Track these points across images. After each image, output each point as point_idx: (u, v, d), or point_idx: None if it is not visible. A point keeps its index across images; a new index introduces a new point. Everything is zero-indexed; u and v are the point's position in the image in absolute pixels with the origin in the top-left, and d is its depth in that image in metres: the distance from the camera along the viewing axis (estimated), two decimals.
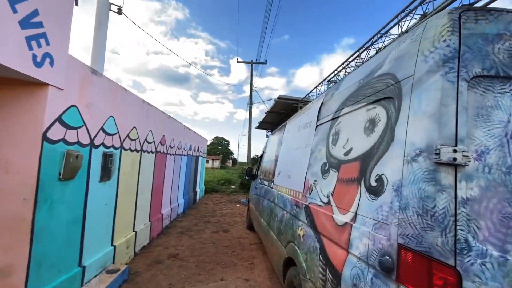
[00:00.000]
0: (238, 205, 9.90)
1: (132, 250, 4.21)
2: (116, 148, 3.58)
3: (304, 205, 2.34)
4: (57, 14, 2.29)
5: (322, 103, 2.53)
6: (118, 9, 5.13)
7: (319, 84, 5.21)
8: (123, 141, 3.79)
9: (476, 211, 0.99)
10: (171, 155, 6.30)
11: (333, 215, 1.77)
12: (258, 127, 12.93)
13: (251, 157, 15.51)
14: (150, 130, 4.84)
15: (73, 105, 2.65)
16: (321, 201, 2.01)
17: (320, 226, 1.94)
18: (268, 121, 11.30)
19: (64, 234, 2.61)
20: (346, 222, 1.57)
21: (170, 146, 6.17)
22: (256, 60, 16.92)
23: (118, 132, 3.62)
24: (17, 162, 2.20)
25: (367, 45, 3.28)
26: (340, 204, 1.72)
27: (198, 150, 9.76)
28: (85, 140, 2.89)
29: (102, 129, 3.20)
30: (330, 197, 1.87)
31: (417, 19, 2.49)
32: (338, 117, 2.06)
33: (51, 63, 2.25)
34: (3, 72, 1.97)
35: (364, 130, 1.62)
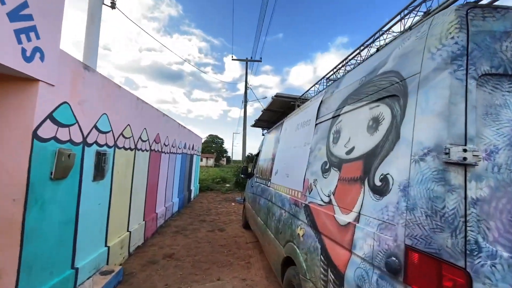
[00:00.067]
0: (233, 204, 9.86)
1: (127, 250, 4.12)
2: (109, 147, 3.49)
3: (303, 205, 2.31)
4: (48, 7, 2.19)
5: (321, 101, 2.50)
6: (111, 2, 4.99)
7: (318, 82, 5.18)
8: (117, 139, 3.70)
9: (486, 211, 0.98)
10: (165, 153, 6.21)
11: (334, 215, 1.74)
12: (254, 125, 12.86)
13: (246, 155, 15.46)
14: (145, 128, 4.74)
15: (65, 102, 2.55)
16: (322, 200, 1.98)
17: (321, 226, 1.92)
18: (264, 119, 11.24)
19: (56, 236, 2.52)
20: (349, 222, 1.55)
21: (164, 144, 6.07)
22: (251, 57, 16.83)
23: (112, 130, 3.53)
24: (6, 161, 2.11)
25: (368, 43, 3.26)
26: (342, 204, 1.70)
27: (192, 148, 9.66)
28: (78, 138, 2.80)
29: (95, 127, 3.11)
30: (332, 197, 1.85)
31: (420, 16, 2.48)
32: (339, 115, 2.03)
33: (42, 58, 2.15)
34: None
35: (367, 128, 1.59)
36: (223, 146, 70.15)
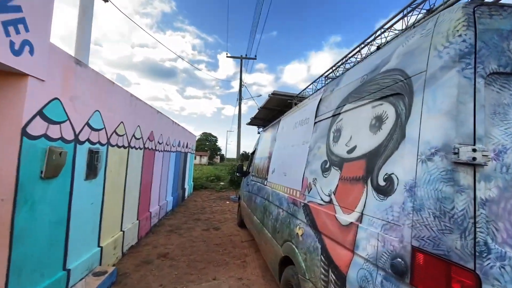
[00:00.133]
0: (228, 202, 9.81)
1: (120, 250, 4.04)
2: (102, 144, 3.40)
3: (302, 204, 2.29)
4: None
5: (320, 100, 2.48)
6: None
7: (316, 80, 5.14)
8: (110, 137, 3.60)
9: (495, 212, 0.96)
10: (159, 151, 6.11)
11: (336, 215, 1.72)
12: (249, 123, 12.77)
13: (241, 153, 15.41)
14: (138, 126, 4.64)
15: (56, 98, 2.46)
16: (322, 200, 1.96)
17: (321, 225, 1.90)
18: (260, 117, 11.17)
19: (46, 236, 2.44)
20: (351, 222, 1.53)
21: (158, 142, 5.97)
22: (246, 55, 16.73)
23: (105, 127, 3.43)
24: None
25: (368, 40, 3.25)
26: (343, 204, 1.68)
27: (186, 147, 9.55)
28: (69, 136, 2.71)
29: (87, 124, 3.01)
30: (332, 196, 1.82)
31: (423, 14, 2.48)
32: (339, 113, 2.01)
33: (31, 52, 2.06)
34: None
35: (369, 127, 1.57)
36: (217, 144, 69.90)
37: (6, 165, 2.03)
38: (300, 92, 6.28)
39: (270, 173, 3.71)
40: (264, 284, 3.45)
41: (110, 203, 3.72)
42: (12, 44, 1.88)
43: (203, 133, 66.28)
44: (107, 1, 4.89)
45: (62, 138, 2.58)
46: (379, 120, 1.50)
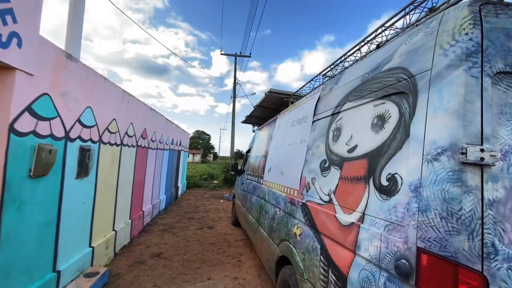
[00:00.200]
0: (221, 201, 9.75)
1: (112, 250, 3.95)
2: (94, 142, 3.30)
3: (300, 203, 2.26)
4: None
5: (319, 98, 2.45)
6: None
7: (314, 78, 5.11)
8: (102, 134, 3.50)
9: (502, 213, 0.95)
10: (152, 149, 6.00)
11: (336, 215, 1.70)
12: (244, 122, 12.69)
13: (234, 151, 15.34)
14: (131, 123, 4.54)
15: (45, 93, 2.36)
16: (321, 199, 1.94)
17: (320, 225, 1.87)
18: (256, 115, 11.09)
19: (35, 237, 2.34)
20: (352, 223, 1.51)
21: (151, 140, 5.87)
22: (240, 53, 16.62)
23: (97, 124, 3.33)
24: None
25: (368, 39, 3.23)
26: (344, 203, 1.65)
27: (180, 144, 9.44)
28: (59, 133, 2.61)
29: (78, 120, 2.91)
30: (332, 196, 1.80)
31: (426, 12, 2.48)
32: (339, 112, 1.98)
33: (19, 44, 1.96)
34: None
35: (371, 126, 1.55)
36: (210, 142, 69.50)
37: None
38: (297, 91, 6.24)
39: (266, 172, 3.67)
40: (260, 284, 3.43)
41: (102, 202, 3.62)
42: None
43: (196, 131, 65.80)
44: None
45: (51, 135, 2.48)
46: (381, 119, 1.48)
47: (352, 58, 3.86)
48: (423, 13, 2.61)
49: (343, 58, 3.95)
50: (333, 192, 1.80)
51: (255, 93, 16.70)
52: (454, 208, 0.97)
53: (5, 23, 1.82)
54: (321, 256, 1.78)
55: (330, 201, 1.82)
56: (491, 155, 0.95)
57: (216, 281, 3.44)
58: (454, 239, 0.96)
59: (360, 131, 1.66)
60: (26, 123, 2.15)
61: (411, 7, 2.66)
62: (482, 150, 0.95)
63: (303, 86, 5.85)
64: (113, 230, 4.05)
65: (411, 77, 1.31)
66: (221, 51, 16.91)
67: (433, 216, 1.03)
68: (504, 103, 1.04)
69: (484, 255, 0.92)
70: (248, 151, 5.84)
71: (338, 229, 1.64)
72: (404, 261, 1.11)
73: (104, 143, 3.58)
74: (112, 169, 3.93)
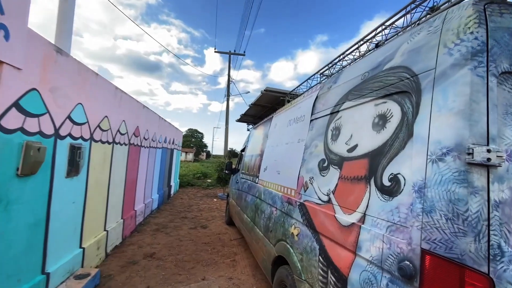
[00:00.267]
0: (215, 200, 9.68)
1: (104, 251, 3.85)
2: (85, 140, 3.20)
3: (298, 203, 2.24)
4: None
5: (317, 97, 2.43)
6: None
7: (311, 76, 5.09)
8: (94, 131, 3.40)
9: (507, 214, 0.95)
10: (145, 147, 5.89)
11: (335, 215, 1.68)
12: (239, 120, 12.60)
13: (228, 150, 15.26)
14: (123, 120, 4.43)
15: (34, 89, 2.26)
16: (320, 199, 1.92)
17: (319, 225, 1.85)
18: (251, 114, 11.03)
19: (23, 239, 2.25)
20: (353, 223, 1.49)
21: (144, 138, 5.76)
22: (234, 51, 16.52)
23: (88, 121, 3.23)
24: None
25: (368, 38, 3.23)
26: (343, 203, 1.64)
27: (173, 143, 9.31)
28: (49, 130, 2.51)
29: (69, 117, 2.81)
30: (331, 195, 1.78)
31: (427, 11, 2.49)
32: (338, 111, 1.97)
33: (6, 37, 1.86)
34: None
35: (372, 125, 1.53)
36: (203, 140, 69.04)
37: None
38: (294, 89, 6.22)
39: (262, 171, 3.64)
40: (255, 284, 3.40)
41: (93, 201, 3.52)
42: None
43: (188, 129, 65.25)
44: None
45: (40, 132, 2.39)
46: (382, 119, 1.46)
47: (350, 57, 3.86)
48: (423, 13, 2.62)
49: (341, 56, 3.95)
50: (332, 192, 1.78)
51: (249, 92, 16.67)
52: (460, 209, 0.96)
53: None
54: (320, 257, 1.76)
55: (329, 201, 1.80)
56: (497, 156, 0.94)
57: (210, 282, 3.40)
58: (461, 241, 0.94)
59: (360, 130, 1.64)
60: (13, 120, 2.06)
61: (412, 5, 2.66)
62: (488, 151, 0.94)
63: (300, 84, 5.84)
64: (105, 230, 3.95)
65: (413, 76, 1.30)
66: (215, 49, 16.77)
67: (438, 217, 1.01)
68: (509, 104, 1.03)
69: (491, 257, 0.91)
70: (243, 150, 5.80)
71: (337, 230, 1.62)
72: (408, 263, 1.09)
73: (96, 141, 3.48)
74: (104, 167, 3.83)
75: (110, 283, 3.19)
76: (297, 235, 2.15)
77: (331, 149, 1.93)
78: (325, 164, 1.95)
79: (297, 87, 5.93)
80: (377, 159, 1.42)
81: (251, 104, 9.61)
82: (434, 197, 1.04)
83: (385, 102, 1.48)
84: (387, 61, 1.55)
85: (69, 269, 2.93)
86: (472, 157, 0.95)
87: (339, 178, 1.74)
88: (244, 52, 16.86)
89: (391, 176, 1.29)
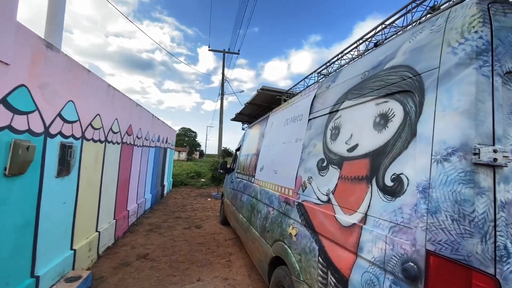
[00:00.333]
0: (209, 199, 9.60)
1: (95, 252, 3.76)
2: (76, 138, 3.10)
3: (296, 203, 2.22)
4: None
5: (315, 96, 2.41)
6: None
7: (309, 75, 5.08)
8: (85, 130, 3.30)
9: None
10: (138, 146, 5.79)
11: (335, 215, 1.66)
12: (234, 119, 12.51)
13: (222, 149, 15.18)
14: (116, 119, 4.33)
15: (22, 85, 2.17)
16: (319, 199, 1.89)
17: (318, 226, 1.83)
18: (246, 113, 10.97)
19: (11, 241, 2.16)
20: (354, 224, 1.47)
21: (137, 136, 5.65)
22: (229, 49, 16.41)
23: (79, 119, 3.13)
24: None
25: (367, 37, 3.23)
26: (344, 204, 1.62)
27: (166, 142, 9.19)
28: (38, 128, 2.42)
29: (59, 115, 2.72)
30: (331, 196, 1.76)
31: (427, 11, 2.50)
32: (337, 110, 1.95)
33: None
34: None
35: (373, 125, 1.52)
36: (196, 139, 68.59)
37: None
38: (290, 88, 6.20)
39: (258, 171, 3.61)
40: (251, 284, 3.37)
41: (85, 202, 3.43)
42: None
43: (181, 128, 64.67)
44: None
45: (29, 131, 2.30)
46: (384, 118, 1.45)
47: (348, 56, 3.86)
48: (424, 12, 2.62)
49: (340, 55, 3.94)
50: (332, 192, 1.76)
51: (243, 91, 16.61)
52: (466, 210, 0.94)
53: None
54: (319, 257, 1.74)
55: (328, 201, 1.78)
56: (504, 156, 0.93)
57: (205, 282, 3.35)
58: (467, 242, 0.93)
59: (361, 130, 1.62)
60: (0, 117, 1.97)
61: (413, 4, 2.67)
62: (495, 151, 0.93)
63: (297, 83, 5.81)
64: (97, 231, 3.85)
65: (416, 75, 1.28)
66: (209, 47, 16.63)
67: (443, 218, 1.00)
68: None
69: (497, 258, 0.90)
70: (238, 149, 5.75)
71: (338, 230, 1.60)
72: (412, 264, 1.08)
73: (87, 140, 3.38)
74: (96, 167, 3.73)
75: (102, 286, 3.11)
76: (295, 236, 2.12)
77: (331, 148, 1.91)
78: (324, 164, 1.93)
79: (294, 86, 5.92)
80: (378, 159, 1.41)
81: (247, 103, 9.56)
82: (439, 197, 1.03)
83: (386, 102, 1.46)
84: (388, 60, 1.53)
85: (60, 272, 2.84)
86: (479, 157, 0.94)
87: (339, 178, 1.72)
88: (239, 50, 16.78)
89: (393, 176, 1.28)
